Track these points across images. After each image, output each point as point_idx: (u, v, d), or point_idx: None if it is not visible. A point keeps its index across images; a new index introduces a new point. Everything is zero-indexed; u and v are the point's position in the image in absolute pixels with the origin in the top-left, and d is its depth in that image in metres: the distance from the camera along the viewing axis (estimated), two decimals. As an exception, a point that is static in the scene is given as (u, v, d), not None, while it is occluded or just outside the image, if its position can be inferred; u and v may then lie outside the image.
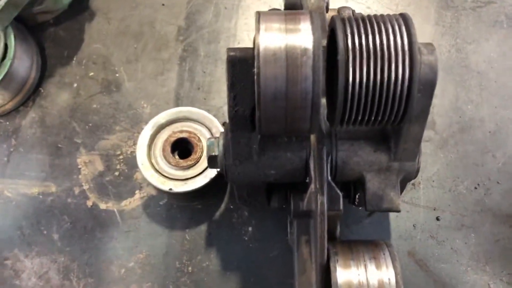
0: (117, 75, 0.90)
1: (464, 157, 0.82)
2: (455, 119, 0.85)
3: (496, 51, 0.90)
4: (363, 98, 0.53)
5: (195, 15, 0.95)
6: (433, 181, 0.81)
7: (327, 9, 0.78)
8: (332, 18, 0.57)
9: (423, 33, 0.92)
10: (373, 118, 0.56)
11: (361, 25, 0.54)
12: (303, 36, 0.52)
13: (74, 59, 0.92)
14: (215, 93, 0.89)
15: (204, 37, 0.93)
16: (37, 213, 0.82)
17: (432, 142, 0.83)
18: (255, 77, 0.52)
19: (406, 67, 0.53)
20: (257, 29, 0.53)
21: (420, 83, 0.54)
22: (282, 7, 0.79)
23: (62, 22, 0.94)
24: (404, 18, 0.55)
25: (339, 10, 0.81)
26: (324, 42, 0.61)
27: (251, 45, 0.93)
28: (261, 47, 0.52)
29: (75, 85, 0.90)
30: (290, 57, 0.52)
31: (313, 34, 0.52)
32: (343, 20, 0.55)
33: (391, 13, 0.93)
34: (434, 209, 0.79)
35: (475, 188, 0.80)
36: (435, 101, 0.85)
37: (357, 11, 0.80)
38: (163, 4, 0.96)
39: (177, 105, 0.88)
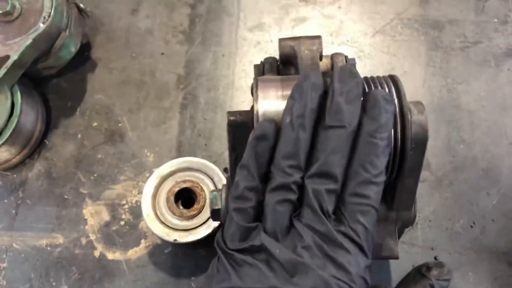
0: (120, 124, 0.93)
1: (459, 196, 0.85)
2: (448, 158, 0.88)
3: (485, 90, 0.93)
4: (359, 159, 0.56)
5: (194, 63, 0.98)
6: (430, 221, 0.83)
7: (321, 57, 0.81)
8: (325, 80, 0.60)
9: (415, 74, 0.95)
10: (369, 175, 0.58)
11: (354, 89, 0.57)
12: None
13: (78, 110, 0.95)
14: (215, 139, 0.92)
15: (203, 84, 0.96)
16: (46, 264, 0.84)
17: (428, 182, 0.86)
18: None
19: (398, 128, 0.56)
20: (256, 97, 0.56)
21: (412, 142, 0.57)
22: (277, 55, 0.83)
23: (65, 73, 0.97)
24: (394, 80, 0.58)
25: (332, 56, 0.84)
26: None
27: (248, 92, 0.96)
28: (260, 113, 0.55)
29: (79, 136, 0.93)
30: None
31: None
32: (336, 84, 0.58)
33: (384, 55, 0.98)
34: (432, 249, 0.81)
35: (471, 226, 0.83)
36: (429, 142, 0.87)
37: (350, 55, 0.84)
38: (162, 53, 0.99)
39: (179, 152, 0.91)
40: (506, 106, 0.92)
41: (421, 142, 0.58)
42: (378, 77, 0.59)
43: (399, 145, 0.56)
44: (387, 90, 0.57)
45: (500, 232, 0.82)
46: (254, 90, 0.57)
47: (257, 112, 0.56)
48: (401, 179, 0.62)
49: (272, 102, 0.56)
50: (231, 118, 0.60)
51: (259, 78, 0.59)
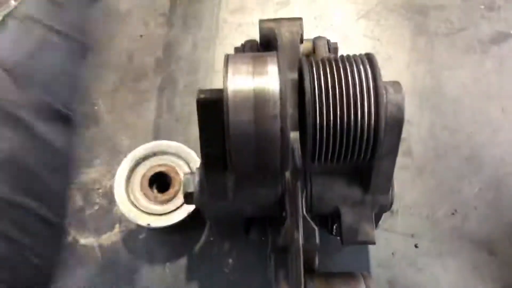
0: (95, 108, 0.91)
1: (441, 183, 0.83)
2: (431, 145, 0.86)
3: (470, 77, 0.91)
4: (331, 139, 0.54)
5: (173, 46, 0.96)
6: (411, 208, 0.81)
7: (302, 40, 0.79)
8: (300, 60, 0.58)
9: (398, 60, 0.93)
10: (342, 156, 0.56)
11: (327, 66, 0.55)
12: (270, 78, 0.53)
13: (53, 92, 0.92)
14: (193, 124, 0.89)
15: (183, 68, 0.94)
16: (16, 250, 0.81)
17: (409, 169, 0.84)
18: (225, 121, 0.53)
19: (371, 107, 0.53)
20: (225, 73, 0.54)
21: (387, 122, 0.55)
22: (258, 38, 0.80)
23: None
24: (369, 59, 0.56)
25: (314, 40, 0.82)
26: (295, 76, 0.61)
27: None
28: (229, 91, 0.53)
29: (54, 119, 0.90)
30: (258, 99, 0.52)
31: (280, 75, 0.53)
32: (310, 62, 0.56)
33: (367, 40, 0.96)
34: (412, 236, 0.80)
35: (452, 214, 0.81)
36: (412, 129, 0.86)
37: (333, 39, 0.82)
38: (141, 36, 0.97)
39: (156, 136, 0.88)
40: (490, 94, 0.90)
41: (397, 123, 0.56)
42: (354, 55, 0.57)
43: (372, 125, 0.54)
44: (361, 69, 0.55)
45: (481, 220, 0.81)
46: (223, 67, 0.55)
47: (226, 90, 0.53)
48: (376, 161, 0.60)
49: (243, 79, 0.53)
50: (201, 96, 0.58)
51: (230, 55, 0.57)
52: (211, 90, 0.60)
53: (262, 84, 0.53)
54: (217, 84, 0.92)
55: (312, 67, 0.55)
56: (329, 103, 0.53)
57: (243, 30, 0.97)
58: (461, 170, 0.84)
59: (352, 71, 0.54)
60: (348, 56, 0.58)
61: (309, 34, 0.78)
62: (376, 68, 0.54)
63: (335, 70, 0.54)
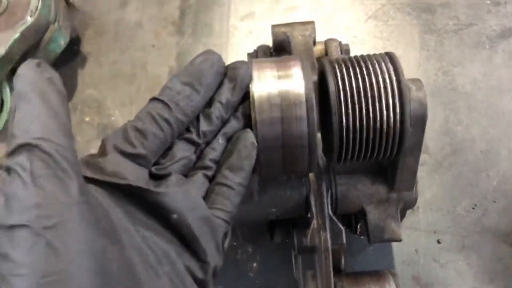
0: (112, 118, 0.92)
1: (459, 178, 0.84)
2: (446, 141, 0.87)
3: (480, 72, 0.92)
4: (358, 138, 0.55)
5: (185, 55, 0.97)
6: (431, 204, 0.82)
7: (314, 43, 0.80)
8: (321, 61, 0.59)
9: (409, 58, 0.94)
10: (368, 155, 0.57)
11: (350, 67, 0.56)
12: (295, 81, 0.54)
13: (69, 105, 0.93)
14: (210, 131, 0.90)
15: (196, 76, 0.95)
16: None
17: (427, 165, 0.85)
18: (252, 122, 0.54)
19: (396, 105, 0.54)
20: (251, 79, 0.55)
21: (411, 119, 0.56)
22: (269, 44, 0.81)
23: (55, 68, 0.94)
24: (390, 57, 0.57)
25: (326, 42, 0.83)
26: (315, 78, 0.62)
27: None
28: (256, 95, 0.54)
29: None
30: (284, 101, 0.53)
31: (305, 78, 0.54)
32: (331, 63, 0.57)
33: (377, 40, 0.97)
34: (435, 232, 0.80)
35: (473, 208, 0.82)
36: (427, 125, 0.87)
37: (344, 41, 0.83)
38: (153, 46, 0.98)
39: (173, 145, 0.89)
40: (502, 88, 0.91)
41: (421, 119, 0.57)
42: (374, 54, 0.58)
43: (398, 123, 0.54)
44: (384, 68, 0.56)
45: (501, 213, 0.81)
46: (249, 71, 0.56)
47: (252, 95, 0.54)
48: (401, 158, 0.61)
49: (268, 83, 0.54)
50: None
51: (254, 60, 0.58)
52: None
53: (287, 86, 0.53)
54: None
55: (335, 68, 0.56)
56: (354, 103, 0.54)
57: (253, 37, 0.98)
58: (477, 164, 0.85)
59: (375, 71, 0.55)
60: (368, 55, 0.58)
61: (318, 37, 0.79)
62: (399, 67, 0.55)
63: (358, 70, 0.55)
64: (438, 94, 0.91)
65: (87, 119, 0.92)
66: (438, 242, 0.80)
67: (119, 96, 0.93)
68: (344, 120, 0.54)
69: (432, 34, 0.96)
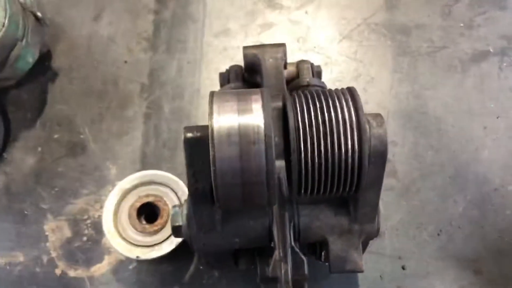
0: (81, 136, 0.91)
1: (427, 203, 0.84)
2: (415, 166, 0.87)
3: (451, 96, 0.93)
4: (316, 174, 0.55)
5: (158, 71, 0.96)
6: (397, 229, 0.83)
7: (285, 66, 0.80)
8: (283, 96, 0.59)
9: (381, 80, 0.94)
10: (328, 190, 0.57)
11: (310, 103, 0.56)
12: (254, 117, 0.54)
13: (38, 121, 0.92)
14: (181, 150, 0.88)
15: (168, 93, 0.94)
16: (5, 285, 0.81)
17: (394, 190, 0.85)
18: (211, 158, 0.53)
19: (355, 141, 0.54)
20: (210, 112, 0.54)
21: (371, 156, 0.56)
22: (242, 63, 0.81)
23: (24, 84, 0.94)
24: (351, 92, 0.57)
25: (298, 64, 0.83)
26: (280, 105, 0.62)
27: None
28: (215, 129, 0.54)
29: (39, 149, 0.90)
30: (243, 137, 0.53)
31: (264, 114, 0.53)
32: (293, 98, 0.57)
33: (351, 61, 0.97)
34: (400, 258, 0.81)
35: (438, 234, 0.82)
36: (396, 149, 0.88)
37: (317, 62, 0.83)
38: (125, 62, 0.97)
39: (143, 164, 0.88)
40: (472, 112, 0.92)
41: (381, 156, 0.57)
42: (336, 89, 0.58)
43: (356, 161, 0.54)
44: (344, 104, 0.56)
45: (466, 239, 0.82)
46: (209, 104, 0.56)
47: (212, 128, 0.54)
48: (362, 192, 0.61)
49: (228, 117, 0.54)
50: (188, 134, 0.59)
51: (215, 92, 0.58)
52: (197, 128, 0.60)
53: (247, 121, 0.53)
54: (203, 109, 0.93)
55: (296, 103, 0.56)
56: (314, 140, 0.54)
57: (227, 54, 0.98)
58: (446, 189, 0.86)
59: (335, 107, 0.55)
60: (330, 90, 0.58)
61: (292, 55, 0.79)
62: (358, 104, 0.55)
63: (318, 107, 0.55)
64: (409, 118, 0.91)
65: (55, 136, 0.90)
66: (403, 268, 0.80)
67: (89, 113, 0.92)
68: (302, 156, 0.54)
69: (406, 56, 0.97)
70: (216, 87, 0.95)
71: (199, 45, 0.99)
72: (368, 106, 0.91)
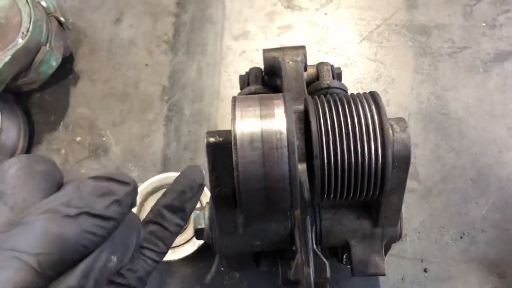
0: (104, 138, 0.92)
1: (448, 206, 0.84)
2: (437, 168, 0.86)
3: (473, 97, 0.92)
4: (340, 180, 0.55)
5: (178, 74, 0.97)
6: (419, 232, 0.82)
7: (305, 68, 0.80)
8: (305, 99, 0.59)
9: (402, 81, 0.94)
10: (351, 195, 0.57)
11: (333, 108, 0.56)
12: (277, 123, 0.54)
13: (61, 124, 0.94)
14: (202, 152, 0.90)
15: (188, 95, 0.95)
16: None
17: (416, 192, 0.84)
18: (234, 163, 0.54)
19: (378, 147, 0.54)
20: (233, 117, 0.55)
21: (394, 160, 0.55)
22: (262, 65, 0.81)
23: (48, 87, 0.96)
24: (373, 97, 0.56)
25: (318, 66, 0.83)
26: (301, 108, 0.62)
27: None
28: (238, 134, 0.54)
29: (63, 151, 0.91)
30: (266, 142, 0.53)
31: (287, 120, 0.53)
32: (315, 103, 0.57)
33: (371, 62, 0.96)
34: (422, 261, 0.80)
35: (461, 237, 0.81)
36: (417, 151, 0.87)
37: (337, 63, 0.82)
38: (146, 64, 0.98)
39: (164, 166, 0.89)
40: (494, 113, 0.91)
41: (404, 161, 0.57)
42: (358, 94, 0.58)
43: (380, 165, 0.54)
44: (367, 108, 0.55)
45: (489, 242, 0.81)
46: (231, 109, 0.56)
47: (235, 134, 0.54)
48: (385, 197, 0.60)
49: (250, 122, 0.54)
50: (211, 139, 0.59)
51: (237, 97, 0.58)
52: (219, 132, 0.60)
53: (270, 126, 0.53)
54: (223, 112, 0.94)
55: (318, 108, 0.56)
56: (336, 145, 0.54)
57: (247, 56, 0.98)
58: (467, 192, 0.85)
59: (358, 112, 0.55)
60: (352, 95, 0.58)
61: (311, 57, 0.79)
62: (382, 108, 0.55)
63: (341, 112, 0.55)
64: (430, 119, 0.90)
65: (78, 138, 0.92)
66: (425, 271, 0.80)
67: (111, 115, 0.94)
68: (325, 161, 0.54)
69: (427, 57, 0.96)
70: (236, 89, 0.96)
71: (219, 48, 0.99)
72: (389, 107, 0.90)
